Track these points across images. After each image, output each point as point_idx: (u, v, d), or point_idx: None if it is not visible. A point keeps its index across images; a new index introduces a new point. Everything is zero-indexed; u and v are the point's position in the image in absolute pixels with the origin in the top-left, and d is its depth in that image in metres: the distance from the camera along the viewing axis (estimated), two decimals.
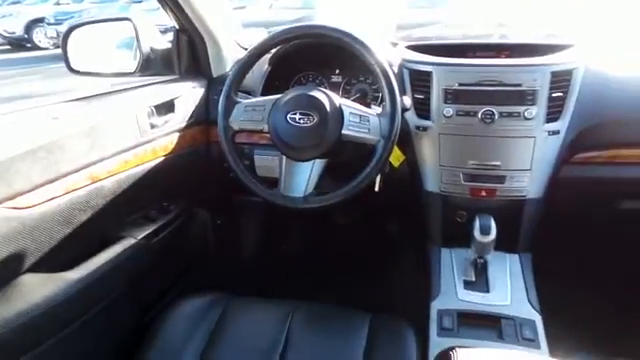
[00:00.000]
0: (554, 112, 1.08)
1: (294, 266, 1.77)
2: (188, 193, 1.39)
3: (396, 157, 1.19)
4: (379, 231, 1.78)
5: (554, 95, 1.08)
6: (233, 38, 1.42)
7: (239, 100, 1.06)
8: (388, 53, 1.21)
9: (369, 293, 1.49)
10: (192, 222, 1.48)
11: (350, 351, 0.91)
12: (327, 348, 0.94)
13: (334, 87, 1.33)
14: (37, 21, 10.54)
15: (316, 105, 0.99)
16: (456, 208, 1.21)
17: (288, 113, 0.99)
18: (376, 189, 1.18)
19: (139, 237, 1.14)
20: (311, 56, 1.30)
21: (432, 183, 1.18)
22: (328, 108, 0.98)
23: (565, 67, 1.08)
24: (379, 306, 1.04)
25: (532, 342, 0.96)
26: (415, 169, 1.20)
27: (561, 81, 1.08)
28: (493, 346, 0.93)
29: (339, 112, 0.99)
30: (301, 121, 0.99)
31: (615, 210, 1.20)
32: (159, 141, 1.19)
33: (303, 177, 1.02)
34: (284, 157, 1.03)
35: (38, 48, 10.45)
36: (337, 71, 1.34)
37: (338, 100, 1.02)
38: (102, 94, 1.12)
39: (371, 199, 1.16)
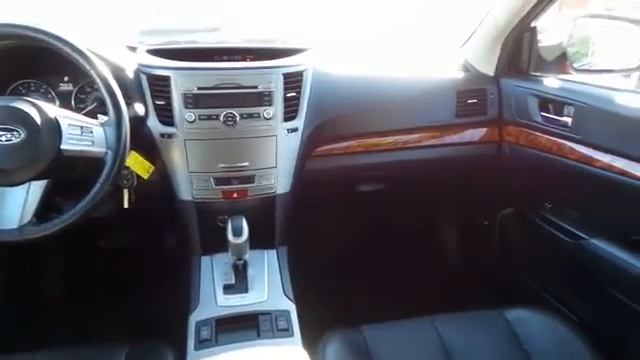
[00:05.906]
0: (291, 111, 1.16)
1: (50, 308, 1.51)
2: None
3: (144, 168, 1.12)
4: (153, 249, 1.66)
5: (289, 95, 1.15)
6: None
7: None
8: (122, 57, 1.12)
9: (135, 319, 1.37)
10: None
11: None
12: None
13: (64, 97, 1.17)
14: None
15: (21, 118, 0.85)
16: (215, 213, 1.19)
17: None
18: (125, 205, 1.09)
19: None
20: (32, 62, 1.11)
21: (184, 191, 1.14)
22: (39, 121, 0.86)
23: (296, 69, 1.17)
24: (144, 332, 0.95)
25: (286, 331, 1.00)
26: (166, 178, 1.15)
27: (293, 82, 1.16)
28: (247, 345, 0.94)
29: (54, 125, 0.88)
30: (3, 138, 0.84)
31: (354, 194, 1.36)
32: None
33: (16, 204, 0.87)
34: None
35: None
36: (66, 79, 1.18)
37: (53, 111, 0.89)
38: None
39: (136, 216, 1.05)
